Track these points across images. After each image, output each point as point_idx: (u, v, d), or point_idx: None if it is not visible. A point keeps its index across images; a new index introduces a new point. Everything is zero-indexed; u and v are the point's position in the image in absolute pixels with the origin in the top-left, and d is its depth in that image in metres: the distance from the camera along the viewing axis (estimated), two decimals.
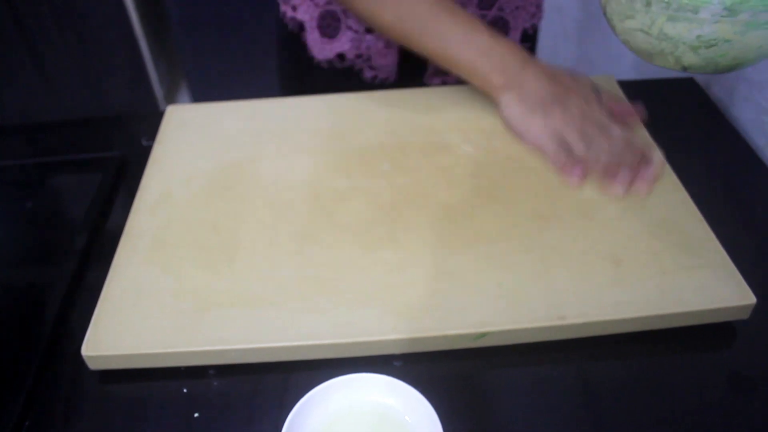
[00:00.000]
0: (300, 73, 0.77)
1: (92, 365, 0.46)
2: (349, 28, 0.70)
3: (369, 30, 0.70)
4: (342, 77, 0.73)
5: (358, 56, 0.72)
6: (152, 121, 0.67)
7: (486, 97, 0.62)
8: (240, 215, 0.55)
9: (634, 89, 0.69)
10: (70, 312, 0.51)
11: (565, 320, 0.45)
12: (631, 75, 0.99)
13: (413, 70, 0.73)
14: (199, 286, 0.50)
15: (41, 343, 0.48)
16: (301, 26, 0.73)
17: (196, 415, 0.44)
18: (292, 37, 0.74)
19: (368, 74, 0.73)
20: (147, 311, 0.48)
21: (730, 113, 0.71)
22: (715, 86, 0.75)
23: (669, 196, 0.55)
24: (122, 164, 0.65)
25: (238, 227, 0.54)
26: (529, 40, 0.76)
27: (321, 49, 0.72)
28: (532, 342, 0.46)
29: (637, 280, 0.48)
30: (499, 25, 0.73)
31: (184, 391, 0.46)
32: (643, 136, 0.60)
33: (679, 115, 0.70)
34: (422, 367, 0.46)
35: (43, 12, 1.71)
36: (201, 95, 1.88)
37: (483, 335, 0.45)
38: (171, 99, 2.07)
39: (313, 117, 0.66)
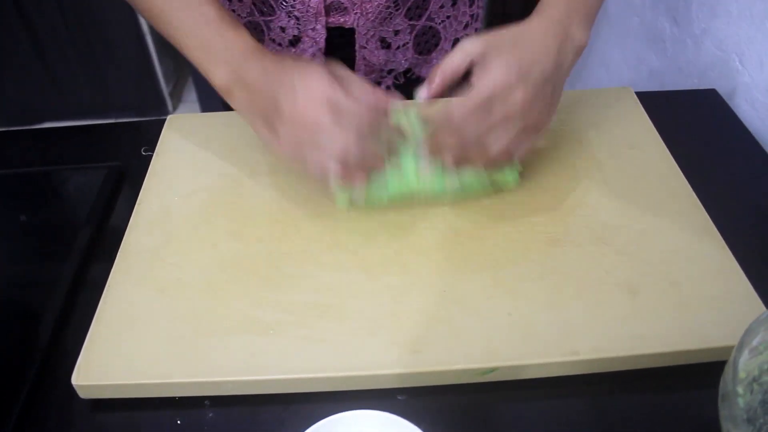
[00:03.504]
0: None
1: (83, 394, 0.44)
2: (272, 40, 0.66)
3: (292, 43, 0.66)
4: None
5: None
6: (152, 130, 0.65)
7: None
8: (241, 234, 0.53)
9: (654, 101, 0.66)
10: (62, 334, 0.50)
11: (579, 356, 0.43)
12: (649, 85, 0.96)
13: None
14: (196, 310, 0.48)
15: (32, 367, 0.47)
16: None
17: None
18: None
19: None
20: (141, 337, 0.46)
21: (752, 125, 0.68)
22: (738, 98, 0.72)
23: (689, 218, 0.52)
24: (120, 175, 0.63)
25: (239, 247, 0.52)
26: None
27: None
28: (543, 377, 0.44)
29: (656, 313, 0.45)
30: (429, 36, 0.69)
31: (178, 422, 0.44)
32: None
33: (700, 127, 0.67)
34: (427, 401, 0.44)
35: (50, 8, 1.69)
36: (207, 92, 1.86)
37: (491, 371, 0.43)
38: (177, 96, 2.06)
39: None
